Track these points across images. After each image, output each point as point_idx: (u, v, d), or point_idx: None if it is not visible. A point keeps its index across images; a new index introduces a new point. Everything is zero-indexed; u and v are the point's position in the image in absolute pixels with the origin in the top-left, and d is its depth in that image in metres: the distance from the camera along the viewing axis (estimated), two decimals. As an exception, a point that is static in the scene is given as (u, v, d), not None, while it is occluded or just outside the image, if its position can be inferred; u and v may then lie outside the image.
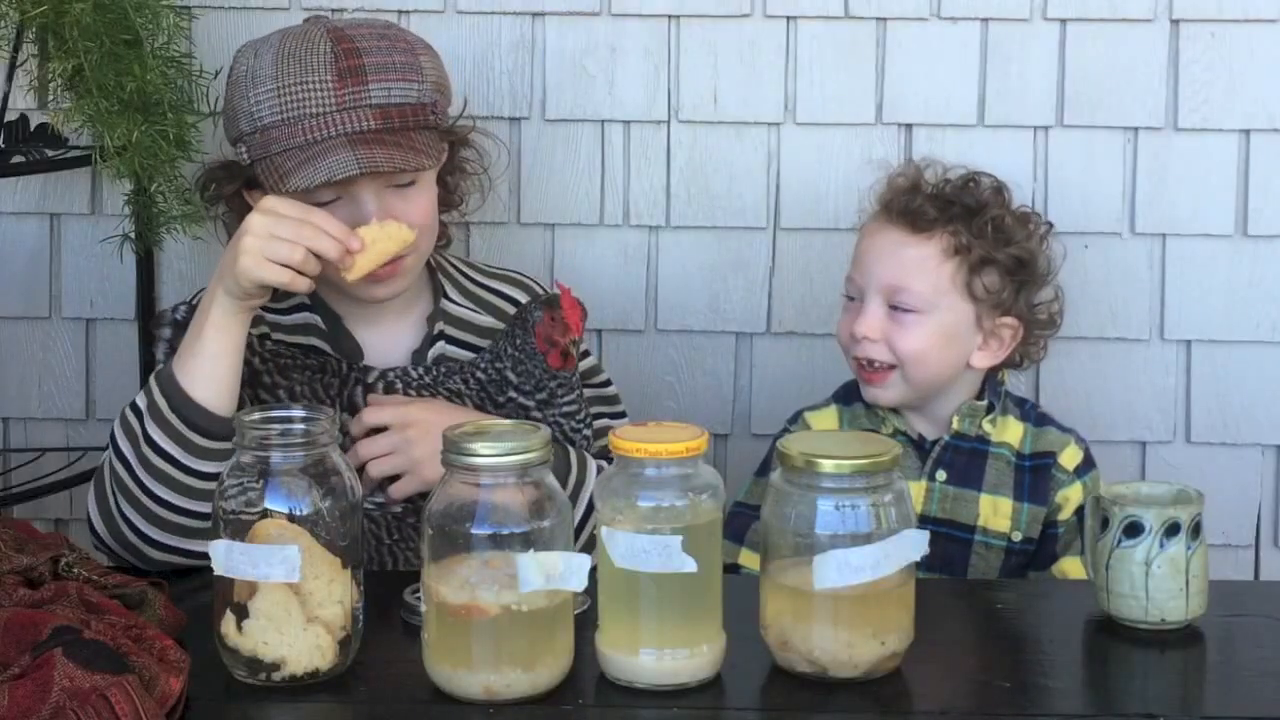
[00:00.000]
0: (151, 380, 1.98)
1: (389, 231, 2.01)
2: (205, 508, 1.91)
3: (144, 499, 1.96)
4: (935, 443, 2.32)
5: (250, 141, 2.10)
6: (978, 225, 2.30)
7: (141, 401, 1.97)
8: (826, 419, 2.38)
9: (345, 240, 1.94)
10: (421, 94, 2.13)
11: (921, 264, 2.29)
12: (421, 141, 2.11)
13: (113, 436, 1.99)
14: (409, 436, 2.04)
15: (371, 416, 2.07)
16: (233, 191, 2.20)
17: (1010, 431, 2.34)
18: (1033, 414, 2.37)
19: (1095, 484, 2.32)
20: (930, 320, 2.28)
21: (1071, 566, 2.27)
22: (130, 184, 2.52)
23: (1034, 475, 2.32)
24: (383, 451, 2.05)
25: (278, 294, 2.21)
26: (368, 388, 2.12)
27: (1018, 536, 2.29)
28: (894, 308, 2.28)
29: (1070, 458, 2.33)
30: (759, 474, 2.39)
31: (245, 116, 2.10)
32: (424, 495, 2.05)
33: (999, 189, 2.37)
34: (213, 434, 1.94)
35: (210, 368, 1.96)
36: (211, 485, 1.90)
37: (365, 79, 2.09)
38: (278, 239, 1.91)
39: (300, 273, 1.92)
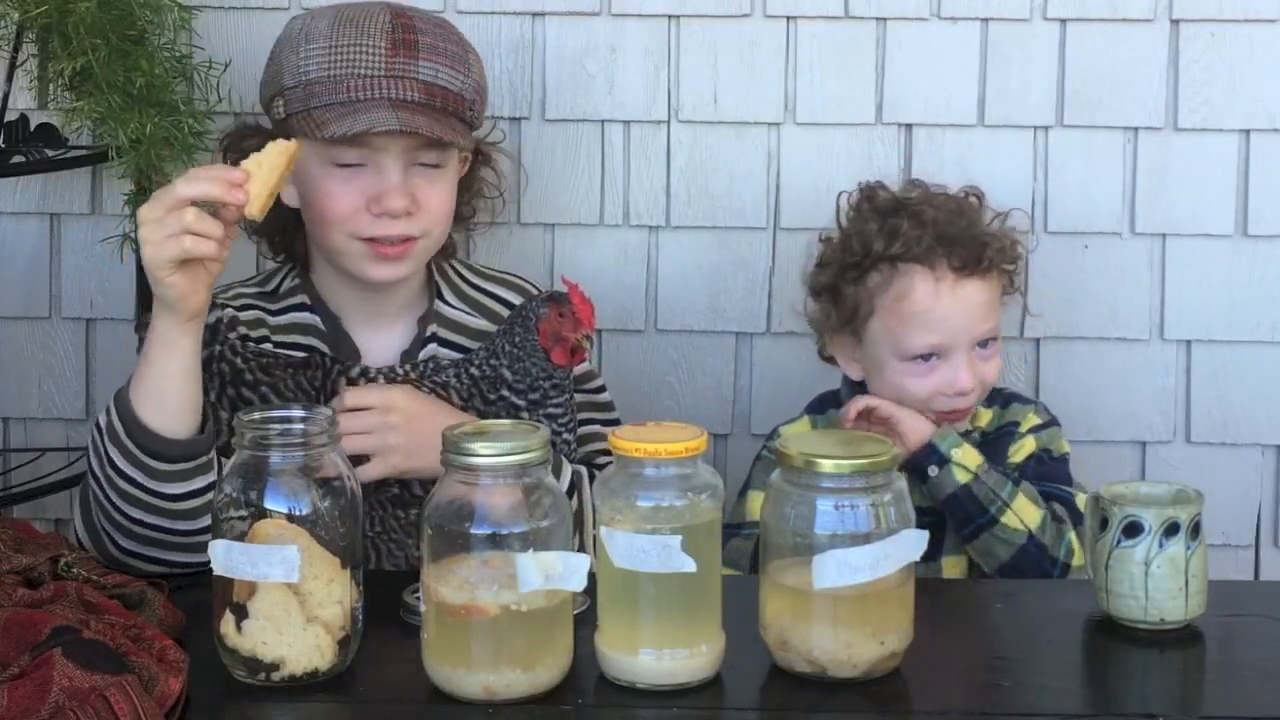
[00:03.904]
0: (111, 399, 1.95)
1: (268, 152, 1.90)
2: (180, 525, 1.92)
3: (117, 516, 1.94)
4: None
5: (290, 95, 2.10)
6: (995, 243, 2.34)
7: (102, 420, 1.94)
8: (800, 431, 2.39)
9: (225, 175, 1.86)
10: (464, 87, 2.15)
11: (994, 299, 2.34)
12: (458, 127, 2.13)
13: (88, 453, 1.97)
14: (390, 422, 2.02)
15: (354, 398, 2.05)
16: (254, 149, 2.18)
17: (981, 418, 2.39)
18: (999, 397, 2.41)
19: (1052, 438, 2.37)
20: (999, 340, 2.35)
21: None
22: (131, 184, 2.52)
23: (995, 445, 2.36)
24: (361, 430, 2.02)
25: (275, 293, 2.22)
26: (350, 381, 2.10)
27: None
28: (978, 346, 2.31)
29: (1028, 422, 2.37)
30: (740, 493, 2.39)
31: (290, 71, 2.11)
32: (406, 488, 2.06)
33: (971, 194, 2.40)
34: (166, 457, 1.91)
35: (160, 387, 1.91)
36: (180, 505, 1.91)
37: (417, 54, 2.11)
38: (167, 212, 1.85)
39: (202, 235, 1.84)
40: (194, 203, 1.84)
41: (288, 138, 2.07)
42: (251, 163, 1.89)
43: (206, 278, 1.89)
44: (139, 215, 1.88)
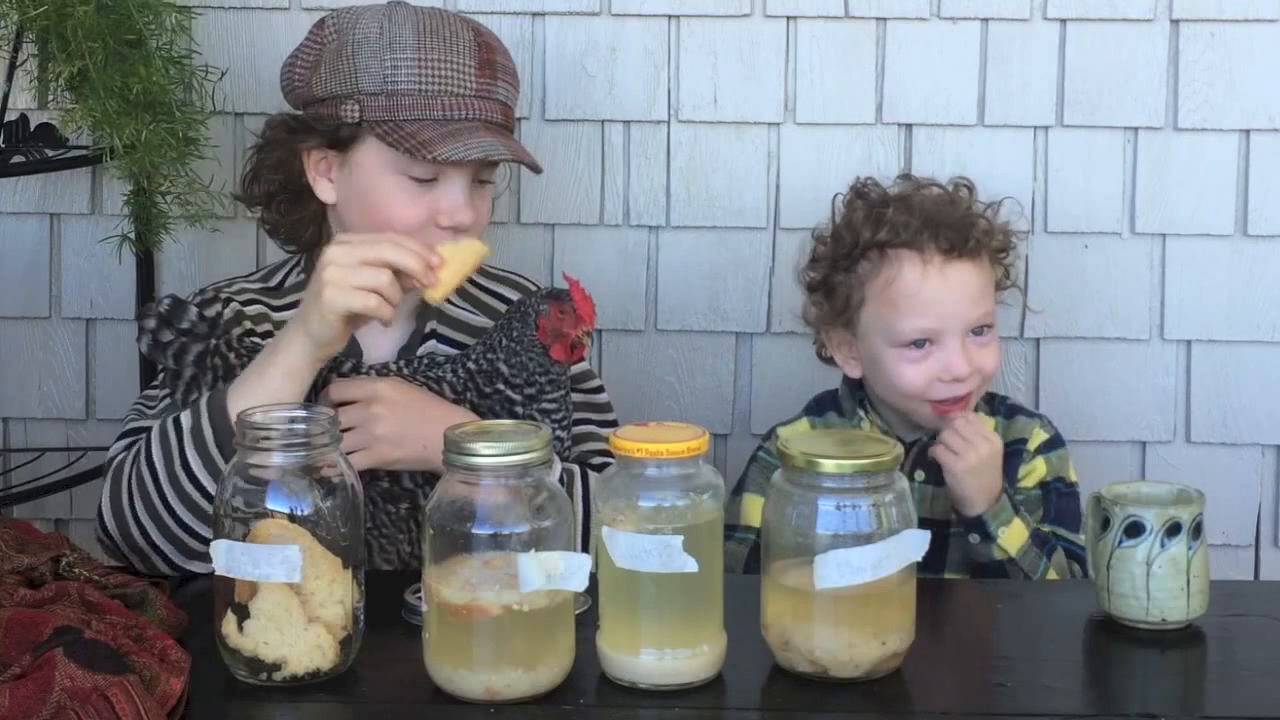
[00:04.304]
0: (202, 404, 1.94)
1: (464, 247, 1.98)
2: None
3: (164, 515, 1.94)
4: (914, 443, 2.33)
5: (370, 102, 2.10)
6: (983, 224, 2.33)
7: (186, 421, 1.94)
8: (799, 431, 2.37)
9: (425, 255, 1.91)
10: (515, 103, 2.19)
11: (986, 285, 2.32)
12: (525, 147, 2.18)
13: (147, 443, 1.96)
14: (374, 413, 2.01)
15: (339, 392, 2.04)
16: (294, 147, 2.15)
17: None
18: (1002, 407, 2.40)
19: (1063, 462, 2.36)
20: (995, 329, 2.33)
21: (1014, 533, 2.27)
22: (130, 184, 2.53)
23: (1005, 464, 2.32)
24: (345, 424, 1.99)
25: (279, 287, 2.22)
26: (341, 376, 2.10)
27: None
28: (972, 334, 2.29)
29: (1035, 438, 2.35)
30: (734, 493, 2.37)
31: (370, 76, 2.10)
32: (396, 481, 2.05)
33: (961, 185, 2.38)
34: None
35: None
36: None
37: (496, 74, 2.14)
38: (361, 263, 1.88)
39: (387, 301, 1.88)
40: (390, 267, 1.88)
41: (350, 139, 2.10)
42: (447, 249, 1.94)
43: (355, 328, 1.94)
44: (328, 253, 1.90)
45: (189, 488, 1.92)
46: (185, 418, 1.94)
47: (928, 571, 2.24)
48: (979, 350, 2.29)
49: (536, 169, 2.18)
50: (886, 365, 2.30)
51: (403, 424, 2.00)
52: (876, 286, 2.29)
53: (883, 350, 2.29)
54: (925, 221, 2.29)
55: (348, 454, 1.95)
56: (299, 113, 2.17)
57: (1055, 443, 2.37)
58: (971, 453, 2.23)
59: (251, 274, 2.30)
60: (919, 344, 2.27)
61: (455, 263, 1.94)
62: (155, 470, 1.94)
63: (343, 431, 1.93)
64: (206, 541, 1.89)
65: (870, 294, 2.30)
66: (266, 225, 2.26)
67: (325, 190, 2.16)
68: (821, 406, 2.42)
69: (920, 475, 2.32)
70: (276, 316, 2.19)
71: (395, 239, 1.92)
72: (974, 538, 2.23)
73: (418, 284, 1.91)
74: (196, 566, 1.94)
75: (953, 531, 2.30)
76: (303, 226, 2.21)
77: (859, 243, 2.31)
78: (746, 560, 2.26)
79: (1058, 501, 2.32)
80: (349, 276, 1.88)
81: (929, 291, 2.27)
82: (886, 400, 2.34)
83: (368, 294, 1.88)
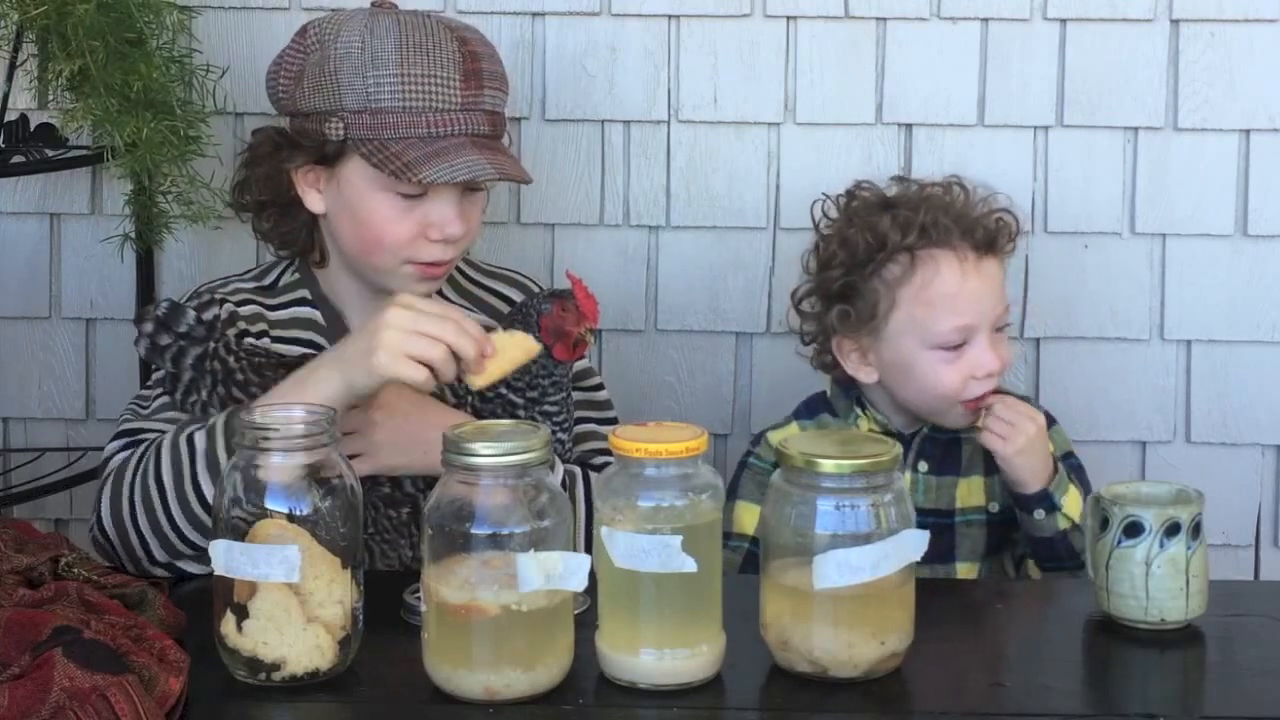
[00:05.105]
0: (218, 426, 1.92)
1: (518, 341, 1.95)
2: None
3: (167, 529, 1.93)
4: (915, 435, 2.33)
5: (353, 120, 2.08)
6: (1007, 216, 2.33)
7: (200, 442, 1.92)
8: (790, 435, 2.36)
9: (483, 344, 1.88)
10: (505, 106, 2.17)
11: (1003, 281, 2.32)
12: (512, 154, 2.16)
13: (156, 457, 1.94)
14: (374, 419, 2.00)
15: None
16: (281, 164, 2.15)
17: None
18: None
19: (1062, 437, 2.36)
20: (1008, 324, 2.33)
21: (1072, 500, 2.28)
22: (131, 184, 2.53)
23: None
24: (346, 429, 1.97)
25: (273, 287, 2.22)
26: None
27: (995, 507, 2.31)
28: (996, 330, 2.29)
29: None
30: (727, 499, 2.36)
31: (353, 93, 2.08)
32: (398, 486, 2.05)
33: (954, 183, 2.37)
34: None
35: None
36: None
37: (482, 84, 2.12)
38: (420, 335, 1.85)
39: (435, 375, 1.86)
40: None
41: (336, 155, 2.09)
42: (501, 340, 1.93)
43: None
44: (389, 316, 1.87)
45: (198, 508, 1.92)
46: (200, 438, 1.92)
47: (939, 564, 2.26)
48: (1000, 345, 2.28)
49: (525, 182, 2.16)
50: (921, 369, 2.26)
51: (404, 430, 1.99)
52: (911, 289, 2.26)
53: (917, 354, 2.26)
54: (957, 219, 2.27)
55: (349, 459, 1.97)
56: (284, 127, 2.17)
57: (1050, 419, 2.36)
58: (1019, 435, 2.24)
59: (246, 273, 2.29)
60: (953, 346, 2.25)
61: (505, 356, 1.92)
62: (163, 485, 1.93)
63: (343, 436, 1.93)
64: (204, 551, 1.89)
65: (903, 297, 2.26)
66: (258, 233, 2.26)
67: (315, 201, 2.15)
68: (812, 410, 2.40)
69: (924, 466, 2.32)
70: (272, 316, 2.19)
71: (460, 320, 1.89)
72: (1038, 514, 2.25)
73: (465, 368, 1.89)
74: (198, 569, 1.94)
75: (965, 520, 2.30)
76: (295, 235, 2.20)
77: (885, 246, 2.27)
78: (741, 568, 2.25)
79: (1079, 477, 2.33)
80: (406, 343, 1.85)
81: (968, 290, 2.26)
82: (914, 405, 2.31)
83: (419, 366, 1.85)
